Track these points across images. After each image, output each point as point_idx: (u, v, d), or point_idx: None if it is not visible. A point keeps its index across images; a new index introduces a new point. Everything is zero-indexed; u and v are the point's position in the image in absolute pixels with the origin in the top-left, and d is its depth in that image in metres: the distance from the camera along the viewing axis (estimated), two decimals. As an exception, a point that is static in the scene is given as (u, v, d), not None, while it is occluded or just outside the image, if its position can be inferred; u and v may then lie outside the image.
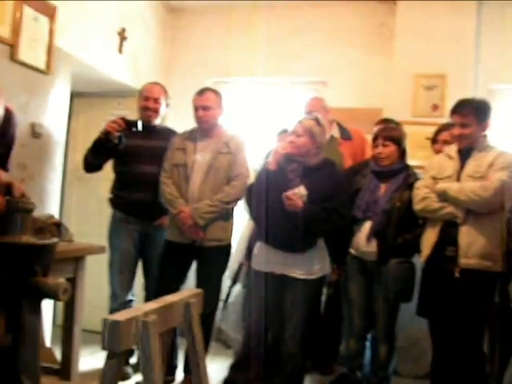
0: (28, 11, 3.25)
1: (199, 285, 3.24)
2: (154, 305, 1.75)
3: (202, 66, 4.87)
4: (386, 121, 3.71)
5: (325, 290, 3.37)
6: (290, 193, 2.81)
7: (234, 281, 3.74)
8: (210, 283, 3.21)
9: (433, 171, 3.00)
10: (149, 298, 3.47)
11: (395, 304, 3.14)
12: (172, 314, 1.85)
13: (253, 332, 3.11)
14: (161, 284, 3.32)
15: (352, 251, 3.19)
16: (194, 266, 3.44)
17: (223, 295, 3.61)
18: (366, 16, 4.56)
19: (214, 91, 3.47)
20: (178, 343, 3.45)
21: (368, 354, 3.35)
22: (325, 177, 2.93)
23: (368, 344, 3.33)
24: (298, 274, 2.92)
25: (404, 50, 4.28)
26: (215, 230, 3.29)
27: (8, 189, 2.24)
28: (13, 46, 3.16)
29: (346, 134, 3.80)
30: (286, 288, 2.97)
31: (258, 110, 4.82)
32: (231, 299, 3.80)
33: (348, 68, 4.55)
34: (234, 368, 3.43)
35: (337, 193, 2.92)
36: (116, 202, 3.57)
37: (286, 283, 2.96)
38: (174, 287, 3.19)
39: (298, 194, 2.82)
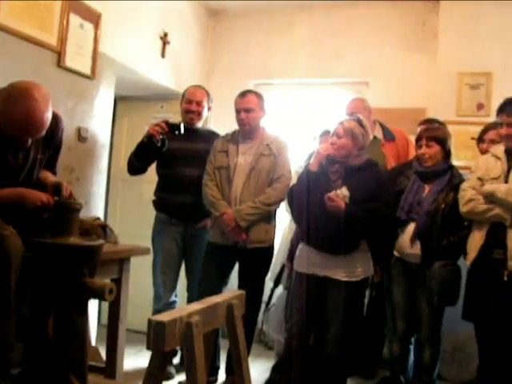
0: (74, 19, 3.33)
1: (241, 286, 3.25)
2: (197, 306, 1.77)
3: (244, 68, 4.90)
4: (429, 121, 3.65)
5: (367, 293, 3.34)
6: (332, 194, 2.81)
7: (276, 283, 3.74)
8: (252, 285, 3.22)
9: (479, 172, 2.93)
10: (192, 299, 3.51)
11: (440, 307, 3.09)
12: (215, 315, 1.86)
13: (295, 334, 3.11)
14: (203, 285, 3.35)
15: (395, 253, 3.15)
16: (236, 268, 3.46)
17: (265, 297, 3.61)
18: (408, 15, 4.49)
19: (256, 93, 3.48)
20: (220, 344, 3.47)
21: (412, 357, 3.29)
22: (367, 178, 2.91)
23: (412, 347, 3.28)
24: (340, 276, 2.90)
25: (448, 49, 4.20)
26: (257, 232, 3.29)
27: (57, 189, 2.30)
28: (60, 53, 3.25)
29: (388, 135, 3.76)
30: (329, 290, 2.96)
31: (300, 112, 4.81)
32: (273, 301, 3.80)
33: (390, 68, 4.49)
34: (275, 369, 3.44)
35: (380, 194, 2.89)
36: (159, 204, 3.62)
37: (328, 285, 2.95)
38: (217, 288, 3.22)
39: (341, 195, 2.81)
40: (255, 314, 3.38)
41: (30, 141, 2.23)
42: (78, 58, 3.40)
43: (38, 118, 2.14)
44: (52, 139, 2.42)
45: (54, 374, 2.08)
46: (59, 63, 3.26)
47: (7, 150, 2.22)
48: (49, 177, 2.47)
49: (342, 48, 4.63)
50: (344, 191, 2.83)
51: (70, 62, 3.33)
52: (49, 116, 2.19)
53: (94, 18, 3.51)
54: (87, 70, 3.50)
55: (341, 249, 2.89)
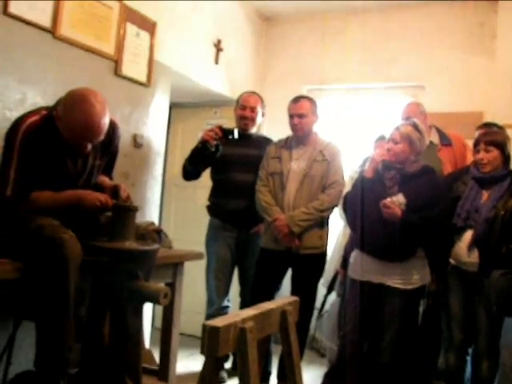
0: (130, 28, 3.42)
1: (294, 292, 3.24)
2: (251, 311, 1.77)
3: (296, 74, 4.89)
4: (488, 125, 3.54)
5: (424, 301, 3.26)
6: (388, 201, 2.77)
7: (329, 289, 3.71)
8: (304, 291, 3.20)
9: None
10: (244, 304, 3.53)
11: (498, 317, 2.98)
12: (269, 321, 1.85)
13: (348, 341, 3.07)
14: (256, 291, 3.36)
15: (452, 261, 3.06)
16: (288, 274, 3.45)
17: (318, 303, 3.59)
18: (465, 16, 4.38)
19: (309, 99, 3.47)
20: (272, 350, 3.46)
21: (469, 369, 3.19)
22: (424, 184, 2.85)
23: (469, 359, 3.18)
24: (396, 283, 2.86)
25: (507, 50, 4.05)
26: (310, 238, 3.28)
27: (115, 192, 2.35)
28: (117, 62, 3.35)
29: (445, 140, 3.67)
30: (384, 298, 2.91)
31: (354, 117, 4.76)
32: (326, 308, 3.76)
33: (446, 71, 4.39)
34: (328, 377, 3.40)
35: (436, 201, 2.83)
36: (213, 209, 3.66)
37: (383, 293, 2.90)
38: (269, 294, 3.23)
39: (397, 201, 2.77)
40: (308, 320, 3.37)
41: (89, 146, 2.28)
42: (134, 66, 3.49)
43: (96, 124, 2.18)
44: (109, 146, 2.47)
45: (110, 375, 2.13)
46: (116, 71, 3.35)
47: (67, 156, 2.28)
48: (106, 180, 2.53)
49: (396, 51, 4.56)
50: (400, 198, 2.78)
51: (126, 70, 3.42)
52: (106, 121, 2.23)
53: (150, 27, 3.59)
54: (143, 78, 3.58)
55: (396, 256, 2.84)
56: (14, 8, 2.68)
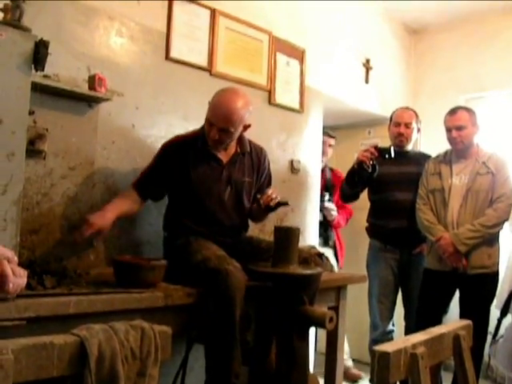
0: (281, 58, 3.55)
1: (463, 315, 3.05)
2: (422, 336, 1.69)
3: (451, 84, 4.68)
4: None
5: None
6: None
7: (504, 312, 3.43)
8: (475, 314, 2.99)
9: None
10: (409, 328, 3.42)
11: None
12: (441, 346, 1.76)
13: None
14: (422, 314, 3.25)
15: None
16: (456, 295, 3.27)
17: (491, 327, 3.34)
18: None
19: (467, 109, 3.31)
20: (441, 377, 3.28)
21: None
22: None
23: None
24: None
25: None
26: (479, 257, 3.09)
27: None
28: (270, 92, 3.47)
29: None
30: None
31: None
32: (501, 332, 3.48)
33: None
34: (508, 409, 3.14)
35: None
36: (373, 230, 3.60)
37: None
38: (436, 318, 3.10)
39: None
40: (481, 346, 3.15)
41: (215, 133, 2.40)
42: (286, 94, 3.59)
43: (224, 104, 2.37)
44: (258, 166, 2.63)
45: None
46: (270, 101, 3.47)
47: (208, 163, 2.49)
48: None
49: None
50: None
51: (279, 98, 3.53)
52: (236, 107, 2.37)
53: (299, 55, 3.68)
54: (296, 105, 3.66)
55: None
56: (174, 53, 2.92)
